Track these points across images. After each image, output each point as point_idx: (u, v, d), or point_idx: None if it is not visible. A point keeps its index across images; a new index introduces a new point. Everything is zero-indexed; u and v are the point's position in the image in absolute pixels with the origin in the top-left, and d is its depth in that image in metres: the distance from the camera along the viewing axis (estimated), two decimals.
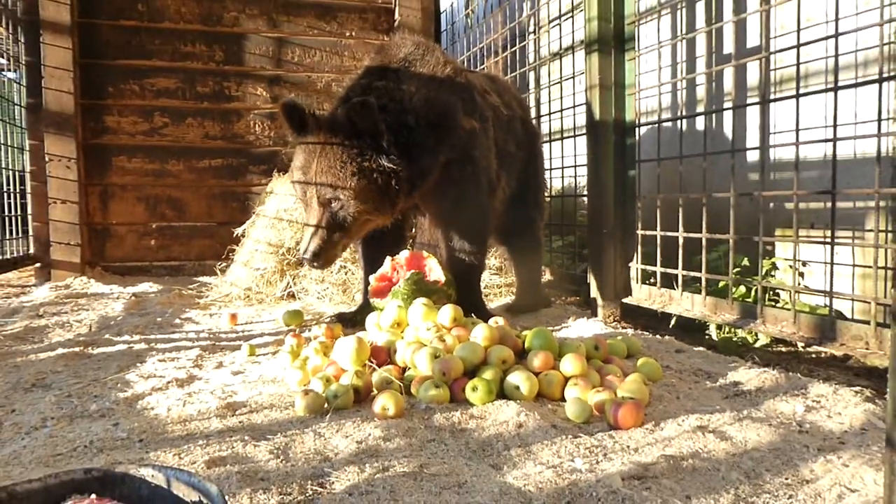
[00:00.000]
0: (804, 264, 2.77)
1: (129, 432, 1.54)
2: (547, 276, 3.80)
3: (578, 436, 1.49)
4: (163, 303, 3.42)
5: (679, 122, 2.85)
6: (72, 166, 4.24)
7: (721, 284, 2.72)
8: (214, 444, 1.44)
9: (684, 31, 3.36)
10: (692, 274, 2.63)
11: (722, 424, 1.53)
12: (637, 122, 2.98)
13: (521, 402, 1.69)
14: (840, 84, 2.08)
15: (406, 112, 2.38)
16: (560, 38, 4.37)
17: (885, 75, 1.92)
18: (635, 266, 2.94)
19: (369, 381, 1.81)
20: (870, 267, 2.40)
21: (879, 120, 1.92)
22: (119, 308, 3.23)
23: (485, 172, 2.68)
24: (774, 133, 2.93)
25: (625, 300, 2.96)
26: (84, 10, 4.38)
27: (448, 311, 2.06)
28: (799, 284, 2.71)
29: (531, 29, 4.81)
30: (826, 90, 2.03)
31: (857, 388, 1.77)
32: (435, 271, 2.45)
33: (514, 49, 4.56)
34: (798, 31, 2.14)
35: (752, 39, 3.05)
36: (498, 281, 3.70)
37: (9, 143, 4.33)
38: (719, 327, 2.68)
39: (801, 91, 2.18)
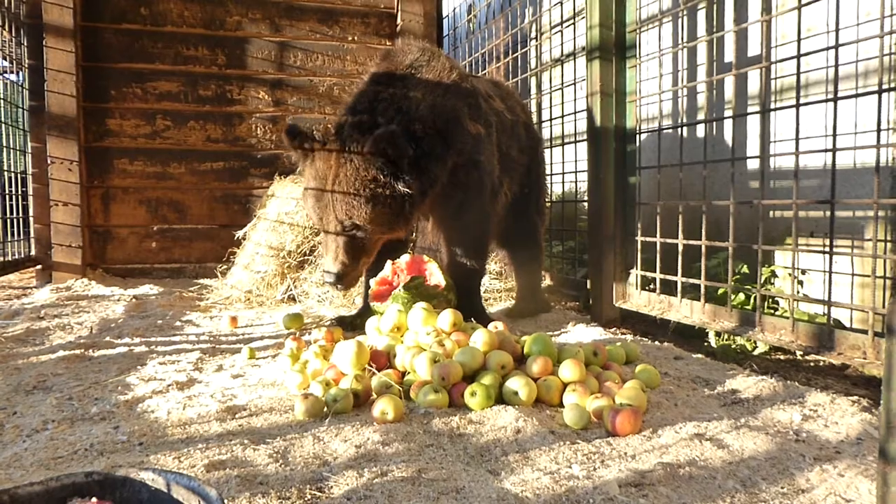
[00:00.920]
0: (803, 273, 2.77)
1: (129, 435, 1.55)
2: (547, 282, 3.81)
3: (576, 442, 1.50)
4: (163, 305, 3.43)
5: (680, 129, 2.86)
6: (74, 169, 4.26)
7: (720, 292, 2.73)
8: (214, 448, 1.45)
9: (685, 40, 3.38)
10: (691, 281, 2.64)
11: (719, 432, 1.54)
12: (638, 128, 2.99)
13: (520, 408, 1.69)
14: (840, 94, 2.09)
15: (414, 121, 2.38)
16: (562, 44, 4.39)
17: (885, 86, 1.93)
18: (635, 272, 2.95)
19: (369, 386, 1.82)
20: (868, 276, 2.41)
21: (879, 130, 1.93)
22: (120, 310, 3.24)
23: (489, 177, 2.70)
24: (774, 142, 2.94)
25: (624, 306, 2.97)
26: (87, 13, 4.40)
27: (448, 316, 2.07)
28: (798, 293, 2.72)
29: (533, 35, 4.83)
30: (826, 100, 2.04)
31: (855, 398, 1.78)
32: (435, 275, 2.46)
33: (515, 55, 4.58)
34: (798, 40, 2.15)
35: (753, 48, 3.06)
36: (498, 286, 3.71)
37: (11, 146, 4.34)
38: (718, 334, 2.69)
39: (802, 101, 2.20)
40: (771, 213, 2.98)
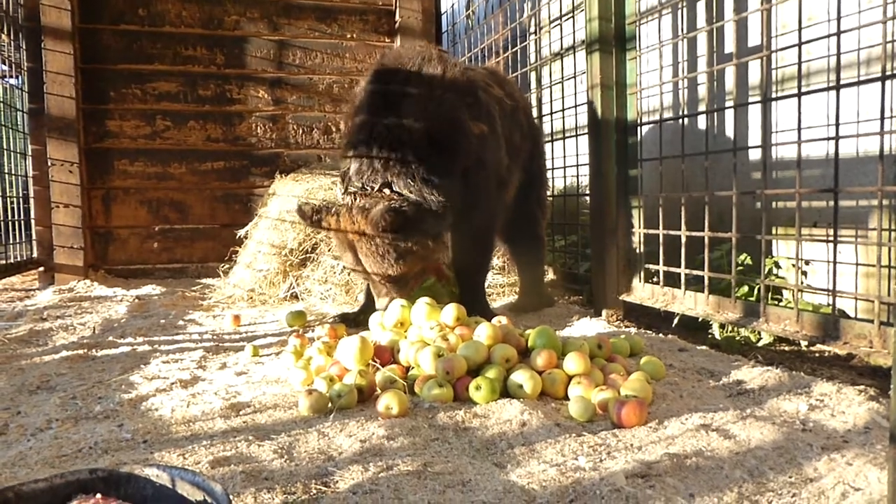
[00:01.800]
0: (807, 263, 2.76)
1: (133, 433, 1.55)
2: (550, 276, 3.80)
3: (582, 434, 1.50)
4: (166, 305, 3.43)
5: (681, 120, 2.85)
6: (74, 170, 4.26)
7: (724, 283, 2.72)
8: (218, 445, 1.45)
9: (685, 31, 3.36)
10: (695, 273, 2.63)
11: (725, 423, 1.54)
12: (639, 121, 2.98)
13: (525, 401, 1.69)
14: (842, 82, 2.08)
15: (421, 140, 2.39)
16: (561, 38, 4.38)
17: (887, 73, 1.92)
18: (638, 265, 2.94)
19: (373, 381, 1.82)
20: (873, 266, 2.39)
21: (882, 118, 1.91)
22: (122, 311, 3.24)
23: (495, 174, 2.70)
24: (776, 132, 2.93)
25: (628, 299, 2.97)
26: (85, 15, 4.40)
27: (451, 311, 2.07)
28: (802, 283, 2.71)
29: (532, 29, 4.82)
30: (828, 88, 2.03)
31: (861, 387, 1.77)
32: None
33: (514, 49, 4.57)
34: (800, 29, 2.14)
35: (754, 38, 3.05)
36: (501, 280, 3.71)
37: (11, 149, 4.34)
38: (722, 326, 2.68)
39: (803, 89, 2.18)
40: (774, 203, 2.97)
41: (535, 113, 4.16)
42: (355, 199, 2.39)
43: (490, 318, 2.17)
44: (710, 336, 2.71)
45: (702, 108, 3.43)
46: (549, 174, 3.81)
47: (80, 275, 4.23)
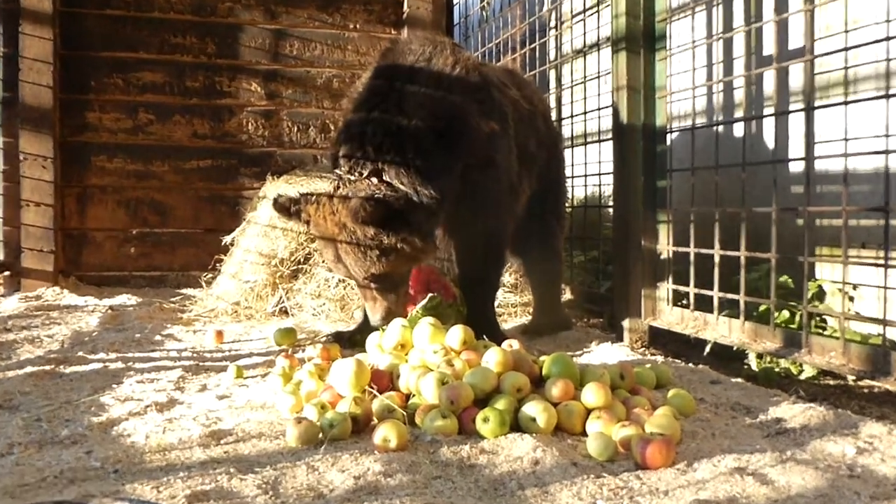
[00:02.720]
0: (854, 287, 2.74)
1: (103, 461, 1.54)
2: (567, 295, 3.78)
3: (601, 475, 1.48)
4: (142, 317, 3.43)
5: (715, 128, 2.84)
6: (48, 166, 4.27)
7: (762, 308, 2.70)
8: (197, 477, 1.44)
9: (721, 30, 3.37)
10: (729, 296, 2.61)
11: (762, 466, 1.52)
12: (668, 127, 2.98)
13: (538, 436, 1.67)
14: (892, 91, 2.07)
15: (421, 131, 2.39)
16: (584, 34, 4.39)
17: None
18: (666, 286, 2.93)
19: (369, 409, 1.80)
20: None
21: None
22: (94, 322, 3.23)
23: (505, 177, 2.69)
24: (820, 143, 2.92)
25: (654, 323, 2.95)
26: None
27: (457, 333, 2.05)
28: (848, 310, 2.69)
29: (552, 24, 4.84)
30: (878, 97, 2.02)
31: None
32: (448, 289, 2.48)
33: (533, 46, 4.58)
34: (846, 32, 2.14)
35: (795, 40, 3.05)
36: (513, 299, 3.69)
37: None
38: (760, 356, 2.66)
39: (850, 98, 2.18)
40: (818, 221, 2.95)
41: (553, 115, 4.16)
42: (339, 187, 2.39)
43: (500, 342, 2.15)
44: (745, 367, 2.69)
45: (738, 114, 3.43)
46: (568, 182, 3.80)
47: (50, 281, 4.23)
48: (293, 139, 4.84)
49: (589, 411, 1.79)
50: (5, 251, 4.36)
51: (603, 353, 2.71)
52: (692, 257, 2.79)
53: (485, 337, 2.22)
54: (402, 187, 2.34)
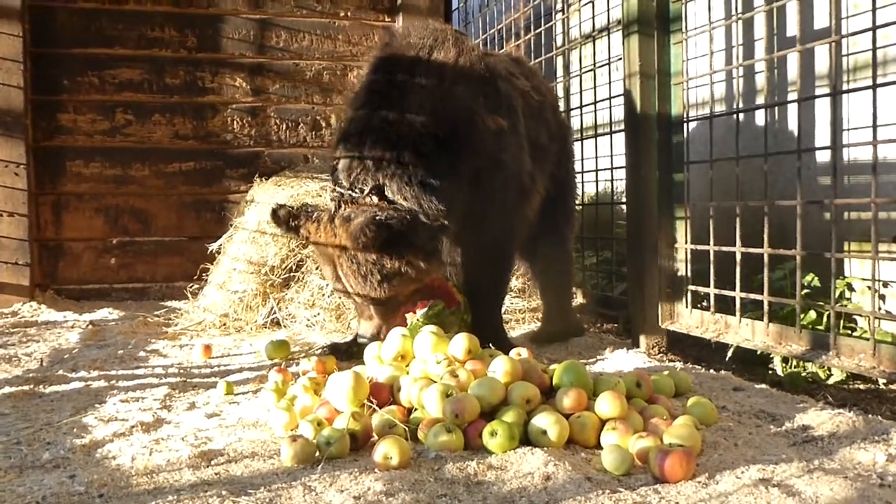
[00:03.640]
0: (885, 285, 2.76)
1: (87, 486, 1.56)
2: (579, 299, 3.80)
3: (617, 490, 1.50)
4: (125, 332, 3.46)
5: (735, 116, 2.86)
6: (20, 173, 4.32)
7: (787, 309, 2.71)
8: (186, 500, 1.46)
9: (741, 10, 3.39)
10: (752, 296, 2.63)
11: (788, 477, 1.53)
12: (685, 116, 3.00)
13: (549, 450, 1.69)
14: None
15: (423, 137, 2.42)
16: (593, 17, 4.41)
17: None
18: (684, 287, 2.95)
19: (369, 425, 1.82)
20: None
21: None
22: (74, 339, 3.27)
23: (515, 178, 2.72)
24: (849, 130, 2.94)
25: (672, 327, 2.97)
26: None
27: (461, 341, 2.07)
28: (879, 309, 2.70)
29: (559, 7, 4.86)
30: None
31: None
32: (448, 294, 2.50)
33: (538, 31, 4.60)
34: (874, 10, 2.16)
35: (821, 20, 3.07)
36: (520, 305, 3.71)
37: None
38: (785, 360, 2.68)
39: (880, 80, 2.20)
40: (846, 214, 2.97)
41: (561, 106, 4.18)
42: (339, 206, 2.43)
43: (508, 351, 2.18)
44: (770, 372, 2.71)
45: (760, 101, 3.45)
46: (578, 178, 3.82)
47: (26, 296, 4.27)
48: (282, 137, 4.87)
49: (603, 422, 1.80)
50: None
51: (618, 361, 2.73)
52: (712, 255, 2.81)
53: (491, 345, 2.25)
54: (405, 203, 2.37)
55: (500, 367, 1.95)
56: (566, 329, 3.23)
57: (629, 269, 3.22)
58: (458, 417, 1.78)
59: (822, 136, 3.06)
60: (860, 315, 2.62)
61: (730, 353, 2.85)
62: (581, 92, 4.21)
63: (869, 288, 2.71)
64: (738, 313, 2.66)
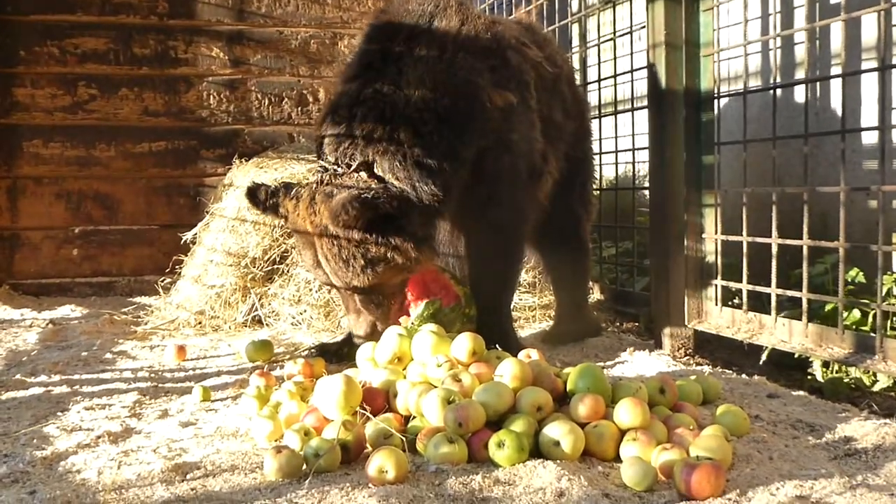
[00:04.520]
0: None
1: (49, 502, 1.56)
2: (595, 295, 3.81)
3: None
4: (89, 332, 3.46)
5: (772, 92, 2.86)
6: None
7: (828, 308, 2.71)
8: None
9: None
10: (789, 293, 2.63)
11: (828, 494, 1.54)
12: (716, 91, 2.99)
13: (562, 463, 1.69)
14: None
15: (421, 113, 2.42)
16: None
17: None
18: (714, 283, 2.95)
19: (362, 435, 1.82)
20: None
21: None
22: (33, 339, 3.28)
23: (525, 159, 2.71)
24: None
25: (699, 327, 2.97)
26: None
27: (465, 342, 2.08)
28: None
29: None
30: None
31: None
32: (450, 290, 2.50)
33: None
34: None
35: None
36: (531, 301, 3.72)
37: None
38: (826, 365, 2.68)
39: None
40: (894, 202, 2.97)
41: (578, 79, 4.17)
42: (322, 181, 2.42)
43: (517, 352, 2.18)
44: (809, 378, 2.71)
45: (799, 75, 3.44)
46: (595, 160, 3.82)
47: None
48: (264, 114, 4.86)
49: (623, 433, 1.81)
50: None
51: (639, 364, 2.74)
52: (745, 247, 2.81)
53: (498, 346, 2.25)
54: (396, 183, 2.37)
55: (507, 370, 1.95)
56: (581, 328, 3.23)
57: (652, 261, 3.22)
58: (461, 426, 1.78)
59: (869, 115, 3.06)
60: None
61: (764, 356, 2.86)
62: (599, 64, 4.20)
63: None
64: (773, 312, 2.66)
